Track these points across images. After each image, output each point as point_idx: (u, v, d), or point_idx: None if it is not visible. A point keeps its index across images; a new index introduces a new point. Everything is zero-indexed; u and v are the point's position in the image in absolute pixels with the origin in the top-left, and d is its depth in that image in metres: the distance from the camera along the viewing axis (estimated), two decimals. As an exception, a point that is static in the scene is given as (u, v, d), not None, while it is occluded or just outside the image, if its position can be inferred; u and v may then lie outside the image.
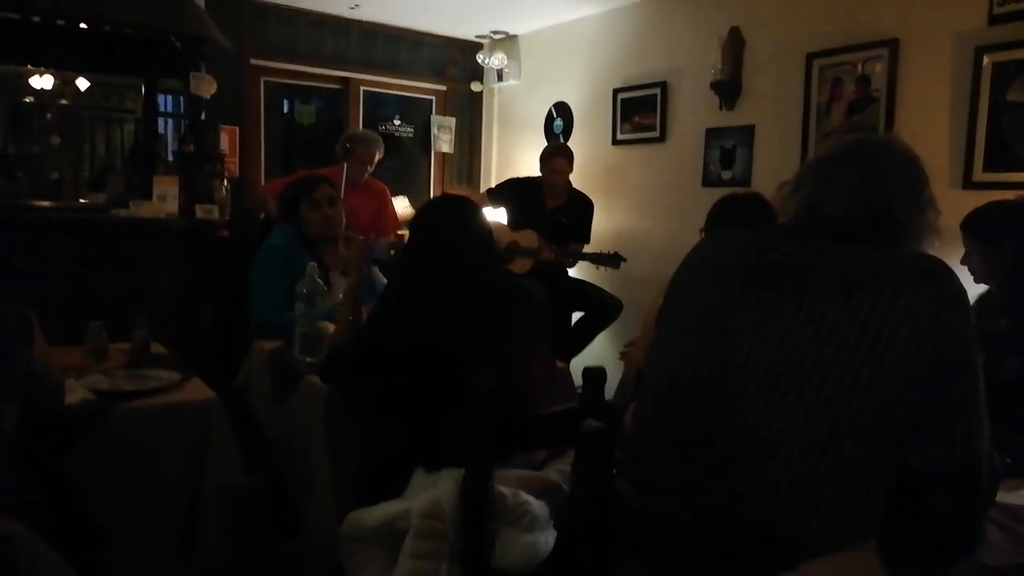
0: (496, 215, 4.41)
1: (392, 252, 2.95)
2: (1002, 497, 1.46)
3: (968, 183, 2.99)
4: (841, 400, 1.10)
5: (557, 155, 4.29)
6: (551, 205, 4.31)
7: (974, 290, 2.00)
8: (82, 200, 4.37)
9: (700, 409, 1.22)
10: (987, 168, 2.95)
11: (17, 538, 1.35)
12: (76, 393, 1.91)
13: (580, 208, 4.36)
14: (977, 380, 1.13)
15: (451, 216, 1.88)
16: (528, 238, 4.16)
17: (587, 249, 4.31)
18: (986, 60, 2.94)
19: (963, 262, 2.13)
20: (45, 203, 4.06)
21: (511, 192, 4.44)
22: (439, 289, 1.77)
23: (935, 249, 1.27)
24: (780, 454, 1.13)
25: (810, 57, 3.56)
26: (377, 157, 4.25)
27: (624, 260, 3.99)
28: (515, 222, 4.30)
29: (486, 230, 1.92)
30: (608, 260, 4.00)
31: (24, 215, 3.64)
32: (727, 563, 1.17)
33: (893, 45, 3.24)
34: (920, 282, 1.13)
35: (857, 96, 3.39)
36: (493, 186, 4.65)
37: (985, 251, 2.09)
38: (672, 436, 1.27)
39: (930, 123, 3.13)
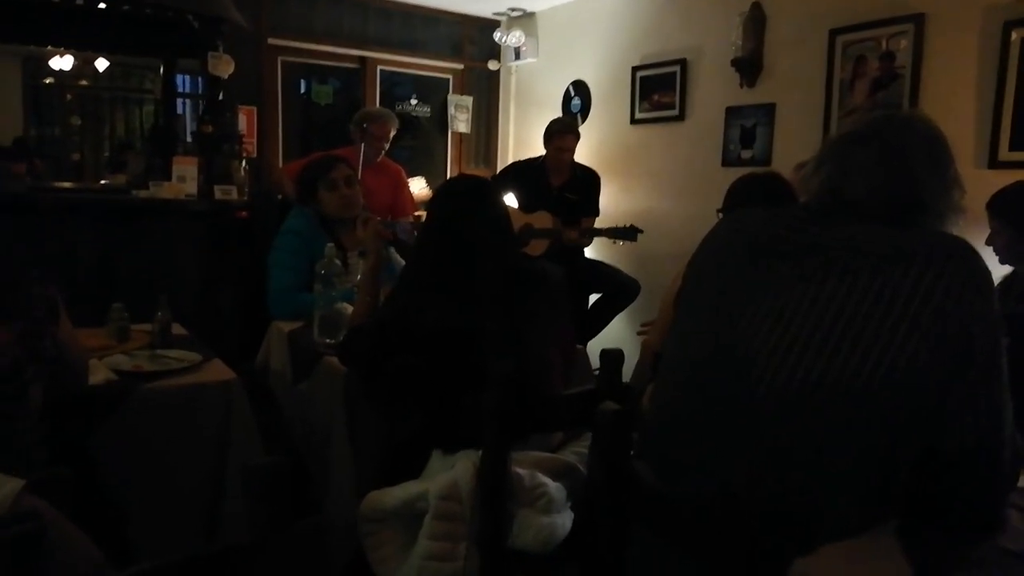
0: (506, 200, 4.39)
1: (416, 233, 2.95)
2: (1024, 481, 1.44)
3: (994, 162, 2.94)
4: (863, 381, 1.09)
5: (568, 132, 4.21)
6: (556, 183, 4.26)
7: (999, 271, 1.97)
8: (103, 181, 4.40)
9: (719, 390, 1.22)
10: (1013, 147, 2.90)
11: (46, 516, 1.37)
12: (99, 373, 1.94)
13: (587, 182, 4.31)
14: (1000, 362, 1.12)
15: (467, 198, 1.87)
16: (542, 219, 4.14)
17: (599, 224, 4.27)
18: (1015, 35, 2.87)
19: (988, 242, 2.10)
20: (66, 184, 4.11)
21: (515, 176, 4.39)
22: (456, 272, 1.77)
23: (959, 229, 1.25)
24: (799, 434, 1.12)
25: (833, 33, 3.50)
26: (392, 133, 4.24)
27: (641, 232, 3.94)
28: (524, 205, 4.27)
29: (502, 212, 1.91)
30: (625, 234, 3.95)
31: (45, 197, 3.68)
32: (745, 545, 1.17)
33: (919, 20, 3.18)
34: (944, 263, 1.11)
35: (881, 73, 3.33)
36: (496, 173, 4.58)
37: (1011, 232, 2.06)
38: (691, 417, 1.26)
39: (956, 101, 3.08)
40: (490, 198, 1.89)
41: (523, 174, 4.35)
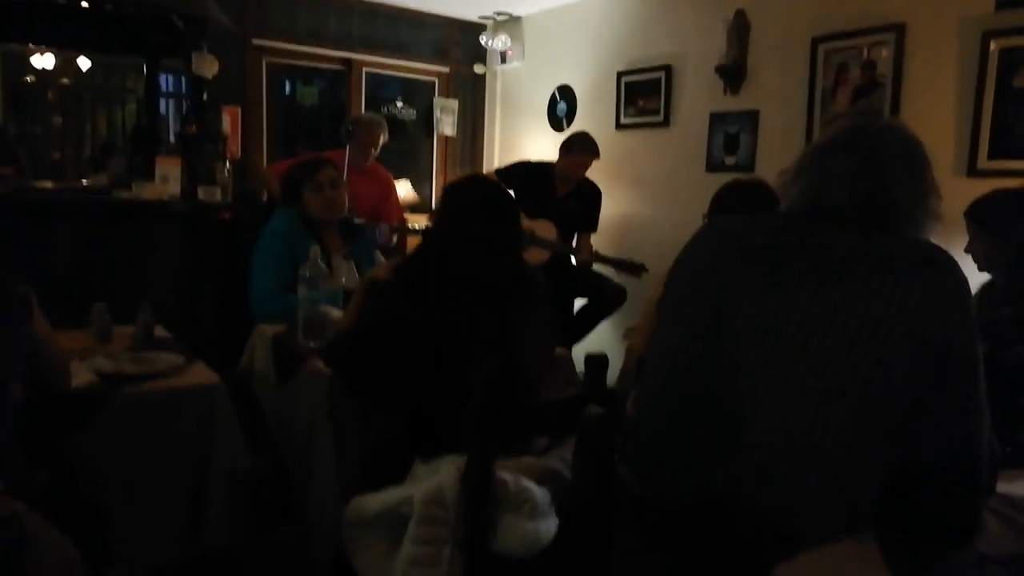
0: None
1: (394, 237, 2.94)
2: (1001, 487, 1.46)
3: (973, 170, 2.98)
4: (841, 388, 1.10)
5: (591, 153, 4.18)
6: (561, 192, 4.25)
7: (977, 278, 2.00)
8: (84, 181, 4.36)
9: (700, 396, 1.22)
10: (992, 156, 2.94)
11: (23, 518, 1.36)
12: (81, 376, 1.92)
13: (590, 197, 4.31)
14: (977, 370, 1.13)
15: (481, 201, 1.85)
16: (545, 228, 4.12)
17: (595, 242, 4.27)
18: (993, 46, 2.92)
19: (967, 250, 2.13)
20: (47, 184, 4.05)
21: (521, 176, 4.33)
22: (447, 277, 1.76)
23: (937, 236, 1.27)
24: (779, 440, 1.13)
25: (815, 42, 3.54)
26: (382, 140, 4.22)
27: (646, 271, 3.92)
28: (523, 207, 4.25)
29: (516, 218, 1.91)
30: (630, 268, 3.96)
31: (25, 196, 3.63)
32: (726, 550, 1.18)
33: (899, 30, 3.22)
34: (922, 271, 1.12)
35: (862, 81, 3.37)
36: (502, 167, 4.50)
37: (989, 240, 2.08)
38: (672, 423, 1.27)
39: (935, 109, 3.12)
40: (504, 202, 1.88)
41: (530, 176, 4.30)
